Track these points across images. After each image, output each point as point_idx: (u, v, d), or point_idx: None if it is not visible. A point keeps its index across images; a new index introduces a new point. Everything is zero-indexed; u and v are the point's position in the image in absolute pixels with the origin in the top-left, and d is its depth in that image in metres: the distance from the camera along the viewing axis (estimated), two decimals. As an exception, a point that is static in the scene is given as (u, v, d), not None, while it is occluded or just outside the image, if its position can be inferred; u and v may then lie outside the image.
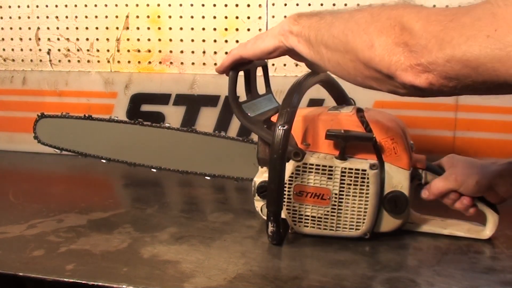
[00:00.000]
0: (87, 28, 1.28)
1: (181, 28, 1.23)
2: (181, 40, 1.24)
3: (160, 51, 1.26)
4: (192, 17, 1.22)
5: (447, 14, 0.51)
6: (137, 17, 1.25)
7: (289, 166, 0.77)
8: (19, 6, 1.30)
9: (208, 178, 1.03)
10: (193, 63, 1.25)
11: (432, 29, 0.50)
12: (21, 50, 1.33)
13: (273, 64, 1.18)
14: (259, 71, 0.90)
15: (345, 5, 1.13)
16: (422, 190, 0.81)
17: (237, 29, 1.20)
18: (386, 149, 0.78)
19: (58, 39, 1.30)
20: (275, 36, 0.73)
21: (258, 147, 0.83)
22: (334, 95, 0.95)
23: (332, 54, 0.62)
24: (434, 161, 0.84)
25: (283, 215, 0.77)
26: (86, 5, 1.27)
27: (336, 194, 0.78)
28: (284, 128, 0.73)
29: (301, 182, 0.78)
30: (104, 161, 1.07)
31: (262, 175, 0.83)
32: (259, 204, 0.83)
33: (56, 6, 1.28)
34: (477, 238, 0.81)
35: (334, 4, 1.13)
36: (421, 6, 0.55)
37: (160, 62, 1.26)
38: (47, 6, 1.29)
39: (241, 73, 0.84)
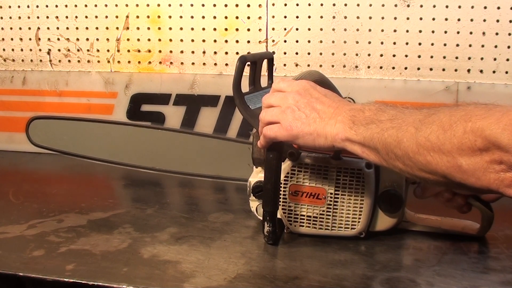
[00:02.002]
0: (87, 28, 1.28)
1: (181, 28, 1.23)
2: (181, 40, 1.24)
3: (160, 51, 1.26)
4: (192, 17, 1.22)
5: None
6: (137, 17, 1.25)
7: (285, 166, 0.78)
8: (19, 6, 1.30)
9: (207, 179, 1.04)
10: (193, 63, 1.25)
11: None
12: (21, 50, 1.33)
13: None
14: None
15: (345, 5, 1.13)
16: (416, 189, 0.81)
17: (237, 29, 1.20)
18: None
19: (58, 39, 1.30)
20: (327, 139, 0.66)
21: (253, 147, 0.84)
22: None
23: (413, 170, 0.58)
24: None
25: (278, 215, 0.78)
26: (86, 5, 1.27)
27: (331, 193, 0.78)
28: None
29: (296, 182, 0.79)
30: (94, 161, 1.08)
31: (257, 175, 0.83)
32: (254, 204, 0.83)
33: (56, 6, 1.28)
34: (472, 235, 0.81)
35: (334, 4, 1.13)
36: (492, 106, 0.52)
37: (160, 62, 1.26)
38: (47, 6, 1.29)
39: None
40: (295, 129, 0.67)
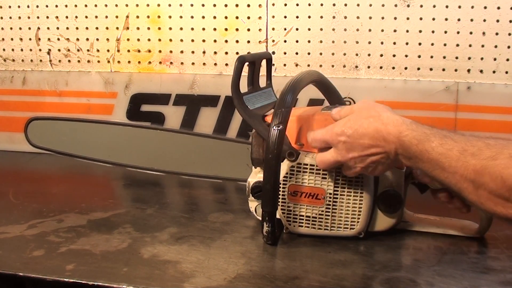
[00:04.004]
0: (87, 28, 1.28)
1: (181, 28, 1.23)
2: (181, 40, 1.24)
3: (160, 51, 1.26)
4: (192, 17, 1.22)
5: None
6: (137, 17, 1.25)
7: (284, 166, 0.77)
8: (19, 6, 1.30)
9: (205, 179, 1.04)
10: (193, 63, 1.25)
11: None
12: (21, 50, 1.33)
13: (273, 64, 1.18)
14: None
15: (345, 5, 1.13)
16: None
17: (237, 29, 1.20)
18: None
19: (58, 39, 1.30)
20: (386, 167, 0.72)
21: (252, 147, 0.84)
22: (327, 95, 0.95)
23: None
24: None
25: (277, 215, 0.77)
26: (86, 5, 1.27)
27: (330, 193, 0.78)
28: (279, 128, 0.73)
29: (295, 182, 0.78)
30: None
31: (256, 176, 0.83)
32: (253, 204, 0.83)
33: (56, 6, 1.28)
34: (471, 236, 0.81)
35: (334, 4, 1.13)
36: None
37: (160, 62, 1.26)
38: (47, 6, 1.29)
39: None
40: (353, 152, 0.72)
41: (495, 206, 0.60)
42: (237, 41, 1.21)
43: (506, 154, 0.58)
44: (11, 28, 1.32)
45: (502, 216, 0.60)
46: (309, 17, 1.16)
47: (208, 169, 1.04)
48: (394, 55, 1.13)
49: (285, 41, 1.18)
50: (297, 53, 1.18)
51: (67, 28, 1.29)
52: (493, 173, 0.58)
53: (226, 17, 1.20)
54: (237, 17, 1.20)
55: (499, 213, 0.60)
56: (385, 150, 0.68)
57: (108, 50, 1.28)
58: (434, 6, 1.09)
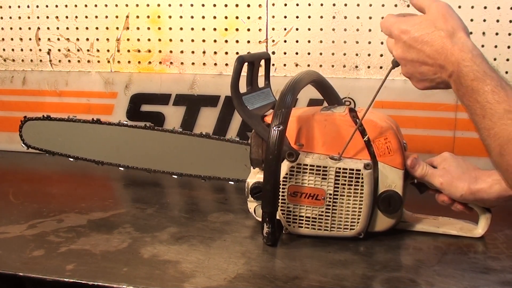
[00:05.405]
0: (87, 28, 1.28)
1: (181, 28, 1.23)
2: (181, 40, 1.24)
3: (160, 51, 1.26)
4: (192, 17, 1.22)
5: None
6: (137, 17, 1.25)
7: (283, 167, 0.77)
8: (19, 6, 1.30)
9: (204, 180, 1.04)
10: (193, 63, 1.25)
11: None
12: (21, 50, 1.33)
13: (273, 64, 1.18)
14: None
15: (345, 5, 1.13)
16: (437, 194, 0.81)
17: (237, 29, 1.20)
18: (380, 148, 0.78)
19: (58, 39, 1.30)
20: (434, 85, 0.69)
21: (251, 148, 0.83)
22: (326, 95, 0.95)
23: None
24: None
25: (277, 216, 0.77)
26: (86, 5, 1.27)
27: (330, 194, 0.78)
28: (279, 128, 0.73)
29: (295, 183, 0.78)
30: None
31: (255, 176, 0.83)
32: (252, 205, 0.83)
33: (56, 6, 1.28)
34: (470, 236, 0.81)
35: (334, 4, 1.13)
36: None
37: (160, 62, 1.26)
38: (47, 6, 1.29)
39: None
40: None
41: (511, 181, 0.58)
42: (237, 41, 1.21)
43: None
44: (11, 28, 1.32)
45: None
46: (309, 17, 1.16)
47: (208, 169, 1.04)
48: (394, 55, 1.13)
49: (285, 41, 1.18)
50: (297, 53, 1.18)
51: (67, 28, 1.29)
52: None
53: (226, 17, 1.20)
54: (237, 17, 1.20)
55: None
56: (441, 67, 0.65)
57: (108, 50, 1.28)
58: (434, 6, 1.09)
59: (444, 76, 0.66)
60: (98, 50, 1.29)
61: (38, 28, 1.31)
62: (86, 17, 1.27)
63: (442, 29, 0.65)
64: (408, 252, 0.79)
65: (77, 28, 1.29)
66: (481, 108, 0.60)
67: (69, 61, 1.31)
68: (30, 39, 1.32)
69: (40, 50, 1.32)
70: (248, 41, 1.20)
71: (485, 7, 1.07)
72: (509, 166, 0.57)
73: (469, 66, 0.62)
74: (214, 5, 1.20)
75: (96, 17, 1.27)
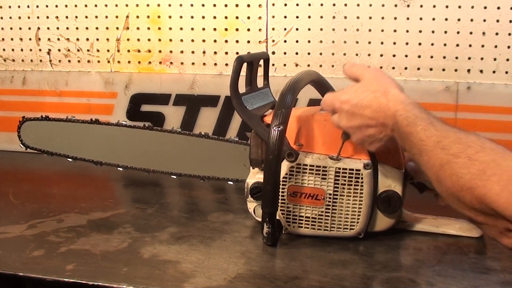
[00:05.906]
0: (87, 28, 1.28)
1: (181, 28, 1.23)
2: (181, 40, 1.24)
3: (160, 51, 1.26)
4: (192, 17, 1.22)
5: None
6: (137, 17, 1.25)
7: (283, 167, 0.77)
8: (19, 6, 1.30)
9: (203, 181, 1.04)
10: (193, 63, 1.25)
11: None
12: (21, 50, 1.33)
13: (273, 64, 1.18)
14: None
15: (345, 5, 1.13)
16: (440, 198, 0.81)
17: (237, 29, 1.20)
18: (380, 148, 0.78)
19: (58, 39, 1.30)
20: (383, 143, 0.73)
21: (250, 148, 0.83)
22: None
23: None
24: None
25: (277, 216, 0.77)
26: (86, 5, 1.27)
27: (330, 194, 0.78)
28: (279, 129, 0.73)
29: (295, 183, 0.78)
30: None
31: (254, 176, 0.83)
32: (252, 205, 0.83)
33: (56, 6, 1.28)
34: (469, 236, 0.81)
35: (334, 4, 1.13)
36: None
37: (160, 62, 1.26)
38: (47, 6, 1.29)
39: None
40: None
41: (452, 203, 0.61)
42: (237, 41, 1.21)
43: (467, 153, 0.59)
44: (11, 28, 1.32)
45: (461, 213, 0.61)
46: (309, 17, 1.16)
47: (207, 169, 1.04)
48: (394, 55, 1.13)
49: (285, 41, 1.18)
50: (297, 53, 1.18)
51: (67, 28, 1.29)
52: (450, 170, 0.59)
53: (226, 17, 1.20)
54: (237, 17, 1.20)
55: (458, 210, 0.61)
56: (383, 125, 0.70)
57: (108, 50, 1.28)
58: (434, 6, 1.09)
59: (388, 132, 0.70)
60: (98, 50, 1.29)
61: (38, 28, 1.31)
62: (86, 17, 1.27)
63: (377, 91, 0.71)
64: (408, 252, 0.79)
65: (77, 28, 1.29)
66: (417, 147, 0.65)
67: (69, 61, 1.31)
68: (30, 39, 1.31)
69: (40, 50, 1.32)
70: (248, 41, 1.20)
71: (485, 7, 1.07)
72: (447, 189, 0.60)
73: (403, 114, 0.67)
74: (214, 5, 1.20)
75: (96, 17, 1.27)
